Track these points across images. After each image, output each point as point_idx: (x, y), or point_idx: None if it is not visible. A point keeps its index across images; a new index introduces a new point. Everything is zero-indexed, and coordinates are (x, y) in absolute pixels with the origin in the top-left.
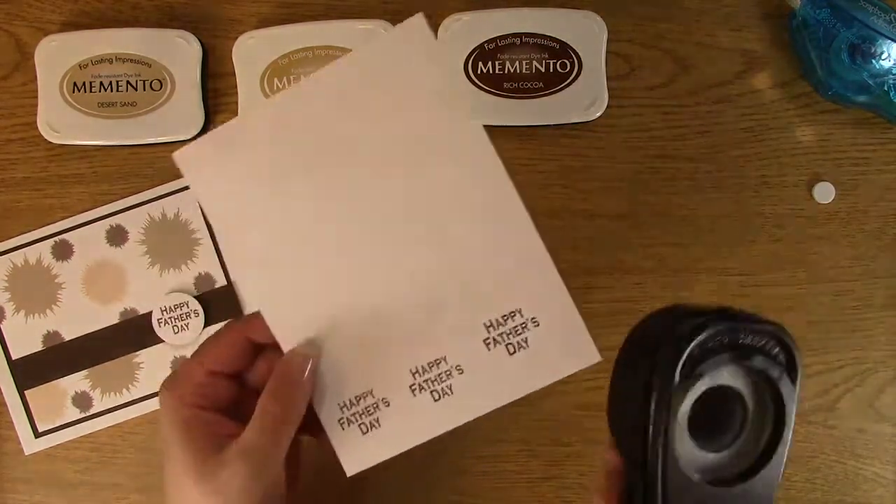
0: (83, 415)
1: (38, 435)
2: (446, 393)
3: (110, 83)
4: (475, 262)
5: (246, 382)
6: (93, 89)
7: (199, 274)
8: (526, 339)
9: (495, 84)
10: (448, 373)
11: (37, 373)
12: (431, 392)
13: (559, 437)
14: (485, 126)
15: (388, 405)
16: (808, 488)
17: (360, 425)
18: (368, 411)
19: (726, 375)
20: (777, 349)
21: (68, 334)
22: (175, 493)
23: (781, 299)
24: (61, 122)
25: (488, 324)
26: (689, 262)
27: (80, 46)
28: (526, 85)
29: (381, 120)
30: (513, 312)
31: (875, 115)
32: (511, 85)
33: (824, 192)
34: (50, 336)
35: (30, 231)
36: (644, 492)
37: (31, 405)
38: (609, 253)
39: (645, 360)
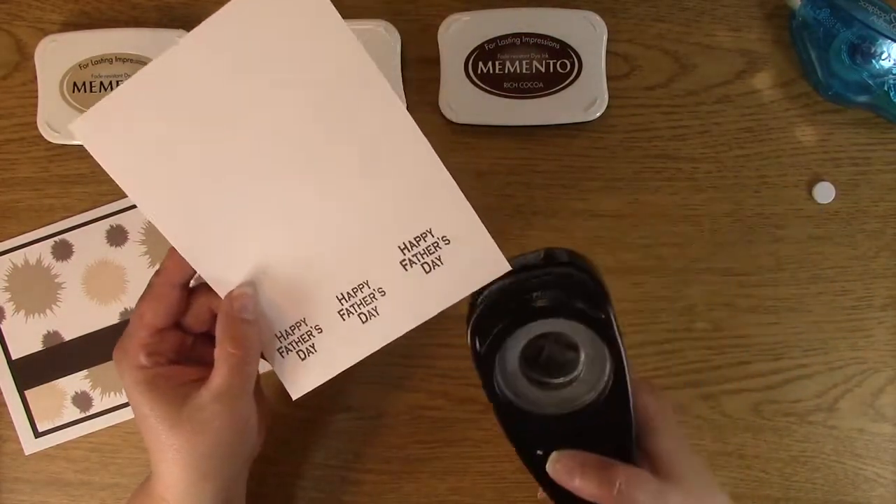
0: (83, 415)
1: (38, 435)
2: (373, 314)
3: (110, 83)
4: (382, 190)
5: (188, 327)
6: (93, 89)
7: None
8: (439, 257)
9: (495, 84)
10: (372, 296)
11: (37, 373)
12: (359, 315)
13: None
14: (485, 126)
15: (321, 331)
16: (808, 488)
17: (297, 352)
18: (303, 339)
19: (550, 324)
20: (578, 286)
21: (68, 334)
22: (156, 448)
23: (781, 299)
24: (61, 122)
25: (402, 246)
26: (688, 262)
27: (80, 46)
28: (526, 85)
29: (274, 64)
30: (424, 233)
31: (875, 115)
32: (511, 85)
33: (824, 192)
34: (50, 336)
35: (30, 231)
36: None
37: (31, 405)
38: (609, 253)
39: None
